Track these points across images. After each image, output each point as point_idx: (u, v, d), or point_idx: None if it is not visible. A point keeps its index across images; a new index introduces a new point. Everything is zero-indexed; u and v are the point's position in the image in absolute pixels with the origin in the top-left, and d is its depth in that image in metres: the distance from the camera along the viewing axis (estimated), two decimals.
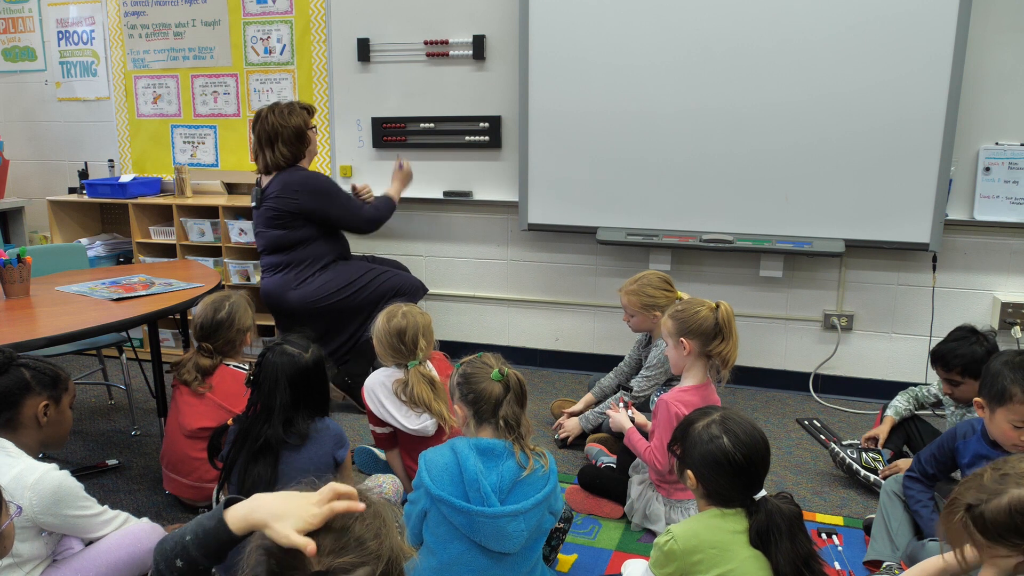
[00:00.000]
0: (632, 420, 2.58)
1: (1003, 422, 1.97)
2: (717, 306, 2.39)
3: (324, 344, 3.33)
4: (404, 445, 2.57)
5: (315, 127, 3.48)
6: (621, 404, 2.67)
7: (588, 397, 3.21)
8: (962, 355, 2.49)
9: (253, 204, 3.43)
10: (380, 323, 2.52)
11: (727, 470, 1.64)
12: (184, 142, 4.45)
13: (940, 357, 2.54)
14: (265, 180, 3.41)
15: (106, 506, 2.01)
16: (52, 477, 1.83)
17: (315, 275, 3.36)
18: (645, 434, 2.50)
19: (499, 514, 1.78)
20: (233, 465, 2.06)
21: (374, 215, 3.53)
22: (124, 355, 3.40)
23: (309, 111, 3.43)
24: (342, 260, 3.50)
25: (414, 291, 3.53)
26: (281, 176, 3.35)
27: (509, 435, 1.88)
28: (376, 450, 2.88)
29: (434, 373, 2.53)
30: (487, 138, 3.80)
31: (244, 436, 2.06)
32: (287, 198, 3.31)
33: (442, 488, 1.80)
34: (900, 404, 2.83)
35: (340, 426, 2.22)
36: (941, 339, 2.61)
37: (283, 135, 3.32)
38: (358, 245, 3.80)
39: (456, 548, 1.82)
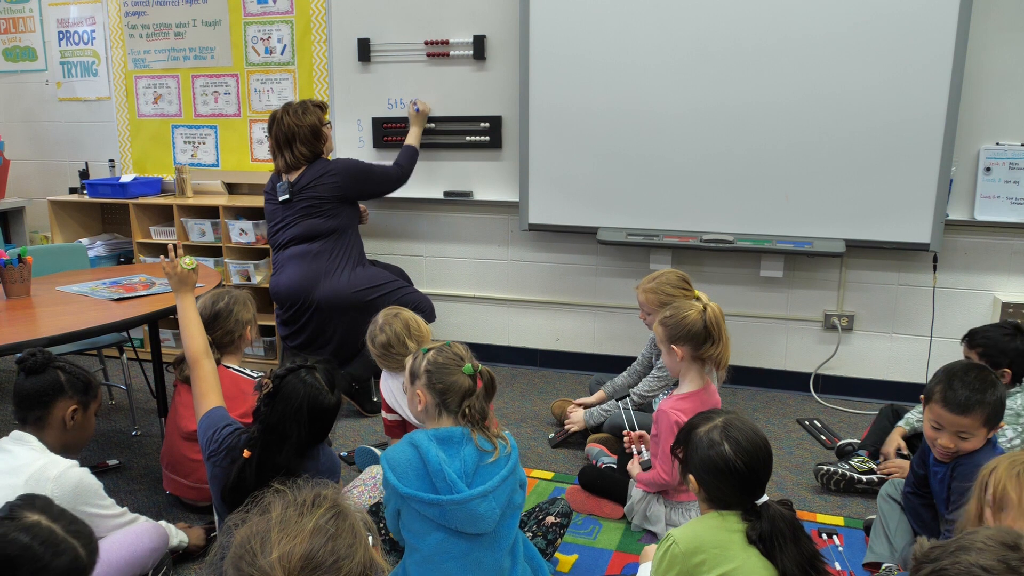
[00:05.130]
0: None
1: (926, 419, 2.06)
2: (705, 308, 2.36)
3: (337, 341, 3.40)
4: None
5: (330, 123, 3.56)
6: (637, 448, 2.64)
7: (600, 394, 3.19)
8: (989, 337, 2.52)
9: (283, 199, 3.44)
10: (369, 346, 2.58)
11: (728, 477, 1.64)
12: (185, 142, 4.45)
13: (971, 332, 2.59)
14: (292, 176, 3.46)
15: (125, 508, 2.04)
16: (74, 472, 1.91)
17: (345, 270, 3.43)
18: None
19: (468, 498, 1.81)
20: (244, 490, 1.91)
21: (400, 173, 3.64)
22: (125, 355, 3.41)
23: (322, 108, 3.51)
24: (366, 262, 3.58)
25: (428, 311, 3.57)
26: (312, 168, 3.44)
27: (470, 425, 1.91)
28: (377, 450, 2.89)
29: None
30: (487, 138, 3.79)
31: (261, 465, 1.95)
32: (328, 184, 3.41)
33: (409, 485, 1.83)
34: (913, 416, 2.80)
35: (333, 454, 2.16)
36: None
37: (300, 135, 3.40)
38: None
39: (434, 538, 1.85)
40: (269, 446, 1.97)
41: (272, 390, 1.97)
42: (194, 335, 2.30)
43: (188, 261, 2.37)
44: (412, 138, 3.75)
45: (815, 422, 3.35)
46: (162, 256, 2.40)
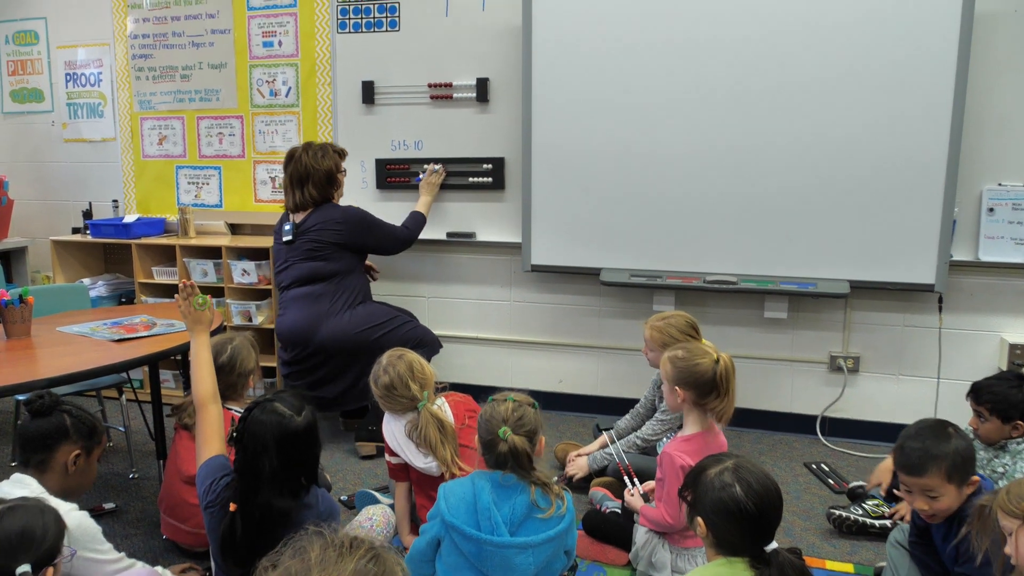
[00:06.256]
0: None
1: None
2: (718, 359, 2.34)
3: (346, 382, 3.40)
4: (415, 480, 2.58)
5: (345, 171, 3.59)
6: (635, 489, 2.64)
7: (603, 439, 3.14)
8: (995, 392, 2.47)
9: (286, 239, 3.47)
10: (372, 387, 2.57)
11: (738, 519, 1.62)
12: (188, 183, 4.49)
13: (975, 388, 2.54)
14: (298, 217, 3.48)
15: (122, 553, 2.02)
16: (73, 516, 1.88)
17: (346, 310, 3.42)
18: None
19: (507, 544, 1.84)
20: (235, 542, 1.93)
21: (407, 235, 3.66)
22: (124, 396, 3.38)
23: (341, 155, 3.55)
24: (368, 301, 3.57)
25: (432, 345, 3.59)
26: (319, 212, 3.46)
27: (528, 482, 1.96)
28: (377, 493, 2.87)
29: (446, 415, 2.53)
30: (490, 179, 3.82)
31: (243, 511, 1.94)
32: (331, 230, 3.42)
33: (456, 516, 1.87)
34: None
35: (331, 499, 2.14)
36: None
37: (314, 177, 3.44)
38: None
39: None
40: (247, 489, 1.93)
41: (239, 433, 1.95)
42: (203, 378, 2.24)
43: (200, 300, 2.33)
44: (421, 205, 3.78)
45: (823, 466, 3.32)
46: (176, 295, 2.37)
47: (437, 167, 3.84)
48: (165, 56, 4.40)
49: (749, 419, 3.60)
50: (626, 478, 2.73)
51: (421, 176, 3.83)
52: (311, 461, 2.01)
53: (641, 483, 2.66)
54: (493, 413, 2.00)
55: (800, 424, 3.68)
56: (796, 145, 3.33)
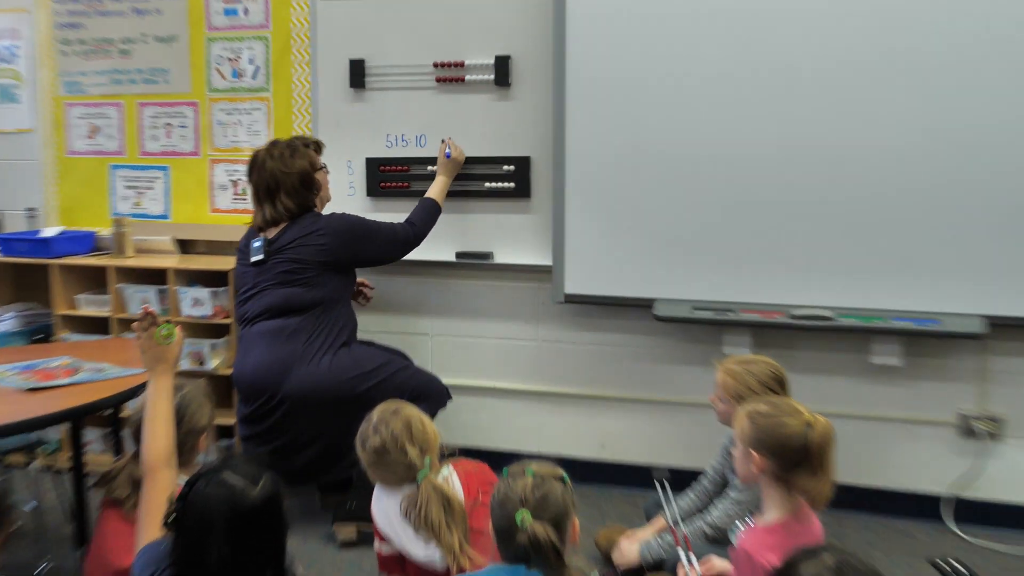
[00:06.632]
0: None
1: None
2: (811, 423, 2.23)
3: (321, 446, 3.38)
4: (413, 575, 2.52)
5: (325, 166, 3.56)
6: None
7: (660, 522, 3.02)
8: None
9: (255, 259, 3.40)
10: (359, 451, 2.53)
11: None
12: (127, 187, 4.47)
13: None
14: (271, 232, 3.45)
15: None
16: None
17: (326, 353, 3.34)
18: None
19: None
20: None
21: (412, 234, 3.59)
22: (36, 462, 3.38)
23: (316, 148, 3.53)
24: (354, 342, 3.51)
25: (438, 396, 3.54)
26: (298, 224, 3.43)
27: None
28: None
29: (453, 489, 2.45)
30: (512, 185, 3.78)
31: None
32: (313, 245, 3.37)
33: None
34: None
35: None
36: None
37: (285, 185, 3.41)
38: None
39: None
40: None
41: (178, 513, 1.86)
42: (158, 433, 2.21)
43: (165, 332, 2.30)
44: (435, 190, 3.69)
45: (954, 564, 3.09)
46: (134, 324, 2.34)
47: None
48: (99, 26, 4.38)
49: (853, 499, 3.43)
50: (680, 550, 2.60)
51: (449, 151, 3.72)
52: (273, 547, 1.92)
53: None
54: (508, 492, 1.95)
55: (922, 507, 3.55)
56: (913, 137, 3.26)
